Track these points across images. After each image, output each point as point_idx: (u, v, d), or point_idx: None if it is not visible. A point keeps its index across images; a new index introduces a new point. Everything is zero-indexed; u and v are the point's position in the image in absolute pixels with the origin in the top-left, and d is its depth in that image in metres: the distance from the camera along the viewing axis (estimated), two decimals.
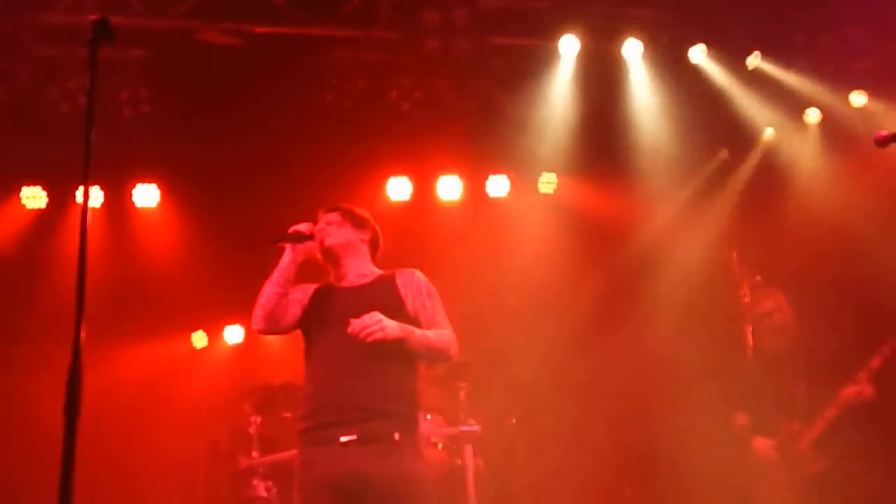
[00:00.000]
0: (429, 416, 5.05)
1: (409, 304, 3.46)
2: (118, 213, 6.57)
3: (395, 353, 3.32)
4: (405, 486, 3.25)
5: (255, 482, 5.15)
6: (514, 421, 5.49)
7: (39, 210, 6.42)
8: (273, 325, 3.46)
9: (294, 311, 3.49)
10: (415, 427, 3.41)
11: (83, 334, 2.18)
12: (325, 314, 3.46)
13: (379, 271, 3.60)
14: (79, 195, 6.15)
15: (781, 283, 5.19)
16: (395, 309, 3.39)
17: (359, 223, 3.64)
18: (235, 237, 6.26)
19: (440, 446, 5.06)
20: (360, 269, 3.57)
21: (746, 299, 4.80)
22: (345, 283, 3.57)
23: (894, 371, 4.54)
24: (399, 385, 3.36)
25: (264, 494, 5.10)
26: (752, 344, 4.73)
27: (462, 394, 4.96)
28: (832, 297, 5.43)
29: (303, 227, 3.49)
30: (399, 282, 3.51)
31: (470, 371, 5.04)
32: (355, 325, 3.23)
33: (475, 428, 4.81)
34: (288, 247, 3.46)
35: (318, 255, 3.56)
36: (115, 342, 6.27)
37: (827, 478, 4.53)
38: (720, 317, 5.58)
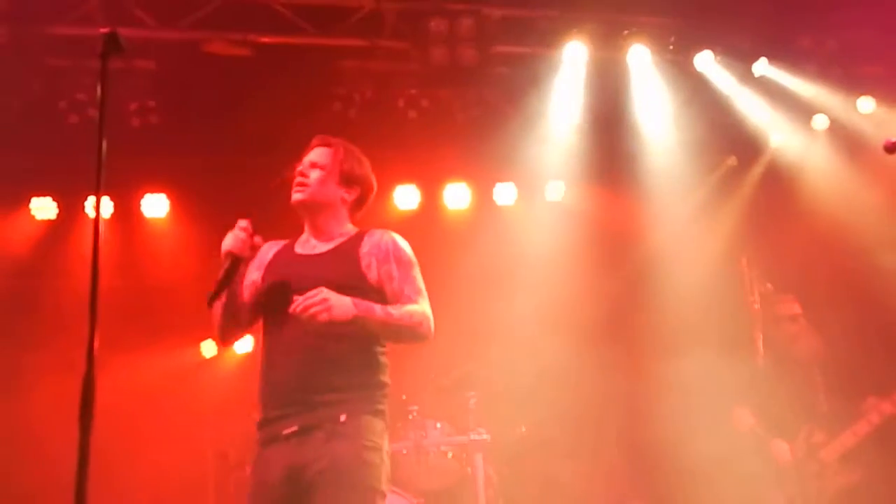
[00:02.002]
0: (438, 425, 5.05)
1: (371, 274, 2.94)
2: (127, 223, 6.59)
3: (354, 335, 2.85)
4: (338, 469, 2.77)
5: None
6: (524, 429, 5.47)
7: (49, 221, 6.45)
8: (235, 339, 3.13)
9: (248, 306, 3.06)
10: (367, 407, 2.88)
11: (96, 344, 2.17)
12: (274, 292, 2.99)
13: (351, 231, 3.08)
14: (88, 205, 6.22)
15: (793, 290, 5.17)
16: (351, 284, 2.87)
17: (347, 178, 3.09)
18: None
19: (450, 455, 5.05)
20: (328, 230, 3.05)
21: (756, 306, 4.78)
22: (304, 249, 3.08)
23: None
24: (356, 369, 2.90)
25: None
26: (762, 351, 4.70)
27: (472, 402, 4.95)
28: (847, 306, 5.40)
29: (241, 233, 2.94)
30: (364, 249, 2.98)
31: (479, 380, 5.03)
32: (298, 302, 2.73)
33: (485, 437, 4.80)
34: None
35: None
36: (124, 352, 6.28)
37: (856, 492, 4.49)
38: (730, 324, 5.56)
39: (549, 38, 6.03)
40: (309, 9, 5.80)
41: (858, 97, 6.08)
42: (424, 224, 6.93)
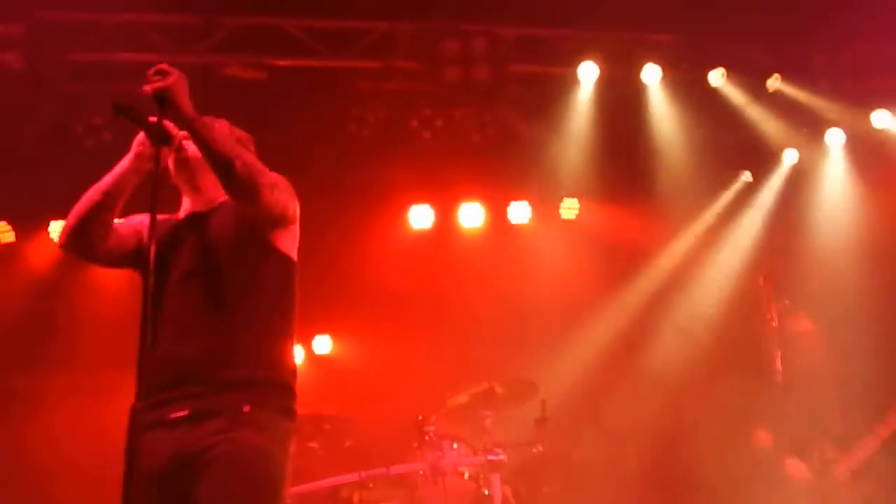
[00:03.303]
0: (455, 446, 5.02)
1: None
2: None
3: (247, 302, 2.60)
4: (235, 456, 2.42)
5: None
6: (541, 449, 5.43)
7: None
8: (81, 241, 2.71)
9: (122, 240, 2.77)
10: (275, 399, 2.59)
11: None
12: (155, 256, 2.65)
13: None
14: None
15: (810, 307, 5.14)
16: (241, 234, 2.65)
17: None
18: None
19: (467, 475, 5.01)
20: (214, 192, 2.74)
21: (774, 323, 4.75)
22: (184, 213, 2.83)
23: None
24: (255, 346, 2.59)
25: None
26: (780, 368, 4.67)
27: (487, 422, 4.93)
28: (864, 323, 5.36)
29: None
30: None
31: (495, 399, 5.01)
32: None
33: (501, 457, 4.76)
34: (135, 145, 2.70)
35: (170, 167, 2.77)
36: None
37: None
38: (747, 341, 5.52)
39: (562, 57, 6.06)
40: (323, 31, 5.85)
41: (873, 111, 6.05)
42: (439, 243, 6.94)
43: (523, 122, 6.57)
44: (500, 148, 6.43)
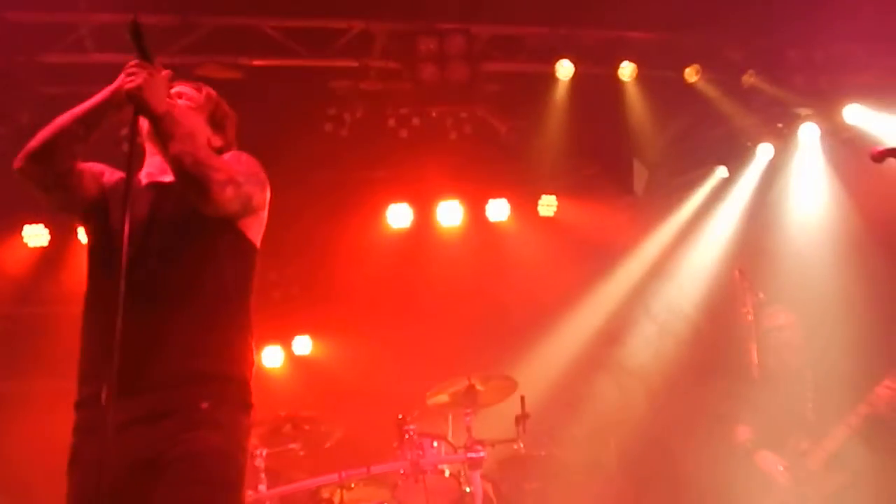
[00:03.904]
0: (435, 444, 5.03)
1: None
2: None
3: (207, 288, 2.44)
4: (193, 459, 2.30)
5: None
6: (522, 445, 5.45)
7: (42, 248, 6.45)
8: (41, 168, 2.49)
9: (84, 182, 2.56)
10: (234, 394, 2.45)
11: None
12: (108, 223, 2.51)
13: None
14: (80, 232, 6.22)
15: (785, 300, 5.19)
16: (203, 216, 2.45)
17: (216, 122, 2.78)
18: None
19: (447, 473, 5.03)
20: None
21: (750, 317, 4.79)
22: (147, 178, 2.63)
23: None
24: (214, 336, 2.43)
25: None
26: (756, 362, 4.72)
27: (468, 419, 4.94)
28: (838, 316, 5.43)
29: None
30: None
31: (475, 396, 5.03)
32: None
33: (482, 454, 4.78)
34: (121, 76, 2.46)
35: (143, 127, 2.58)
36: None
37: (842, 495, 4.50)
38: (724, 335, 5.57)
39: (538, 54, 6.08)
40: (299, 31, 5.83)
41: (845, 106, 6.12)
42: (418, 242, 6.96)
43: (500, 120, 6.59)
44: (477, 146, 6.45)
